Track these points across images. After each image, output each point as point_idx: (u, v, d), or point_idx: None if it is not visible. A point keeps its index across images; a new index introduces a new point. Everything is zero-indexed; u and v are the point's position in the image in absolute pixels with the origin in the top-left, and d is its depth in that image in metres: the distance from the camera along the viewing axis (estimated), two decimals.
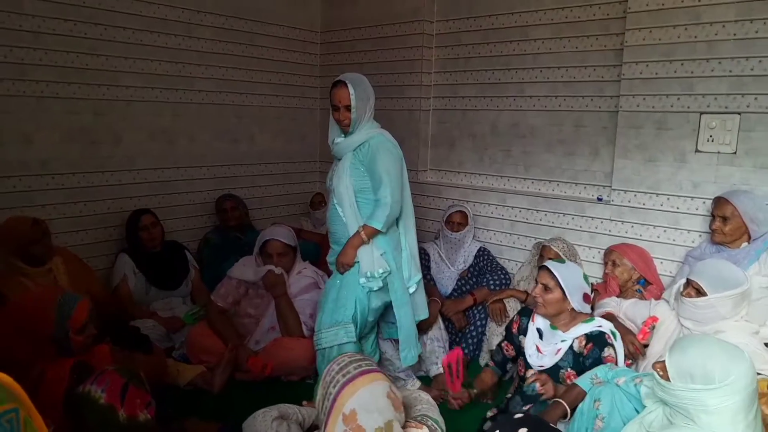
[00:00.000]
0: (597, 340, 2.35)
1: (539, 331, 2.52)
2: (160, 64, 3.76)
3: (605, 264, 3.14)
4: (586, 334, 2.39)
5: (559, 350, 2.42)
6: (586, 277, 2.48)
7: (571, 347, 2.40)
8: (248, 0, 4.18)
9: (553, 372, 2.39)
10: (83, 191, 3.51)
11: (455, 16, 3.99)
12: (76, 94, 3.40)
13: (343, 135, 2.68)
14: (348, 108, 2.56)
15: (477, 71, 3.94)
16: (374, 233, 2.58)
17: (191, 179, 4.05)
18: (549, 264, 2.48)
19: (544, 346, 2.48)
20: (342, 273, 2.64)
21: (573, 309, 2.41)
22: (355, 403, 1.60)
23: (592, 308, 2.57)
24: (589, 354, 2.34)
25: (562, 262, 2.56)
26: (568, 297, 2.38)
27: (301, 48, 4.60)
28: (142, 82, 3.69)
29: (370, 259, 2.60)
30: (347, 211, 2.62)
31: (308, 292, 3.21)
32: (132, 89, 3.64)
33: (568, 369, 2.38)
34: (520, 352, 2.58)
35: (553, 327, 2.48)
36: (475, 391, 2.66)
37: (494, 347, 2.81)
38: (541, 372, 2.40)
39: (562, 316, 2.44)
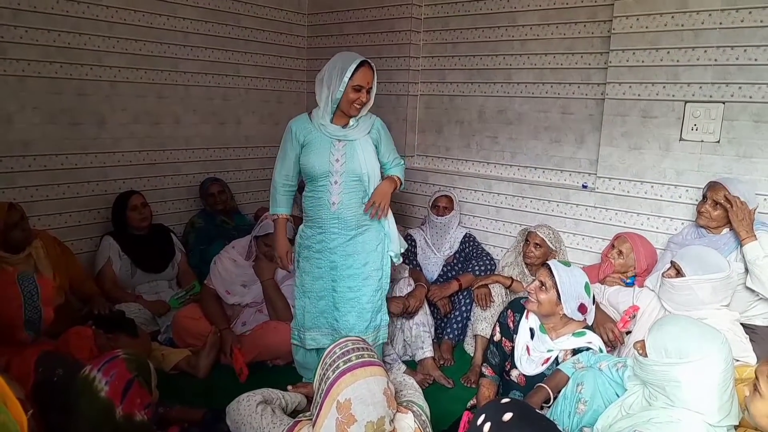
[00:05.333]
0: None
1: (531, 330, 2.46)
2: (144, 45, 3.69)
3: (611, 246, 3.08)
4: (573, 349, 2.33)
5: (546, 360, 2.37)
6: (588, 288, 2.36)
7: (556, 359, 2.36)
8: None
9: (538, 380, 2.32)
10: (66, 173, 3.46)
11: (443, 0, 3.96)
12: (58, 73, 3.34)
13: (334, 118, 2.58)
14: (369, 91, 2.53)
15: (465, 57, 3.93)
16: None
17: (176, 162, 4.01)
18: (551, 263, 2.38)
19: (533, 350, 2.42)
20: (373, 214, 2.61)
21: (565, 314, 2.34)
22: (352, 393, 1.60)
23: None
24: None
25: (567, 265, 2.41)
26: (562, 302, 2.30)
27: (288, 30, 4.55)
28: (126, 63, 3.63)
29: (396, 235, 2.71)
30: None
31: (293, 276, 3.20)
32: (116, 70, 3.58)
33: None
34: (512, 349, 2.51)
35: (543, 330, 2.41)
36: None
37: (488, 351, 2.66)
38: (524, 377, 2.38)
39: (552, 318, 2.37)
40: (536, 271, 3.26)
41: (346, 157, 2.56)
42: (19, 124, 3.23)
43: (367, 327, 2.67)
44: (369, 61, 2.50)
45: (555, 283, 2.32)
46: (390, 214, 2.69)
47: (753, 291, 2.57)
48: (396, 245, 2.72)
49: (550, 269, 2.36)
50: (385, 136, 2.69)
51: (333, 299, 2.67)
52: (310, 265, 2.67)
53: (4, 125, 3.18)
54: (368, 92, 2.52)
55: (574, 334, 2.37)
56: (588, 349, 2.32)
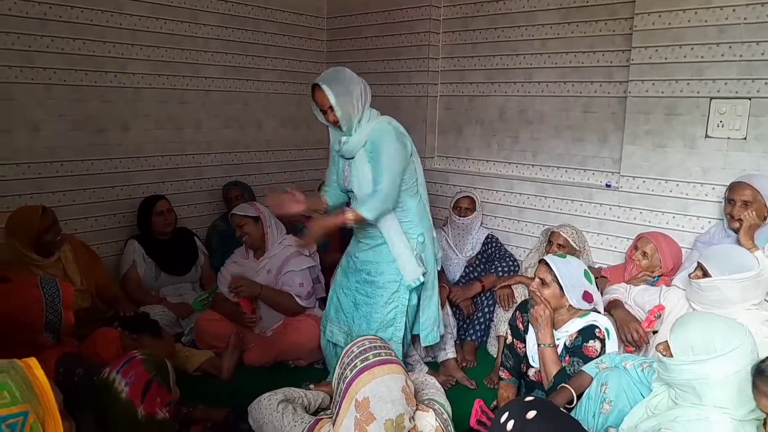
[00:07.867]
0: (586, 332, 2.32)
1: None
2: (166, 51, 3.75)
3: (634, 248, 3.04)
4: (578, 330, 2.35)
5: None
6: (587, 274, 2.40)
7: (564, 344, 2.38)
8: None
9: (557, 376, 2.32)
10: (91, 178, 3.53)
11: (462, 0, 3.95)
12: (83, 81, 3.41)
13: (342, 133, 2.54)
14: (332, 108, 2.45)
15: (484, 57, 3.91)
16: (361, 221, 2.47)
17: (198, 166, 4.06)
18: (547, 258, 2.42)
19: None
20: (305, 244, 2.68)
21: (572, 306, 2.36)
22: (370, 391, 1.61)
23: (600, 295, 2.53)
24: (573, 342, 2.33)
25: (563, 257, 2.47)
26: (566, 293, 2.33)
27: (308, 34, 4.57)
28: (148, 69, 3.69)
29: (413, 267, 2.55)
30: None
31: (291, 260, 3.21)
32: (139, 76, 3.64)
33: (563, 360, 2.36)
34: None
35: None
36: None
37: (503, 353, 2.67)
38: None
39: (560, 312, 2.39)
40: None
41: (351, 175, 2.59)
42: (45, 132, 3.30)
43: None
44: (318, 82, 2.46)
45: (555, 277, 2.34)
46: (401, 238, 2.55)
47: None
48: (411, 272, 2.56)
49: (547, 264, 2.39)
50: (377, 149, 2.45)
51: (354, 300, 2.70)
52: (346, 261, 2.78)
53: (32, 132, 3.26)
54: (331, 110, 2.45)
55: (579, 317, 2.38)
56: (591, 326, 2.32)
